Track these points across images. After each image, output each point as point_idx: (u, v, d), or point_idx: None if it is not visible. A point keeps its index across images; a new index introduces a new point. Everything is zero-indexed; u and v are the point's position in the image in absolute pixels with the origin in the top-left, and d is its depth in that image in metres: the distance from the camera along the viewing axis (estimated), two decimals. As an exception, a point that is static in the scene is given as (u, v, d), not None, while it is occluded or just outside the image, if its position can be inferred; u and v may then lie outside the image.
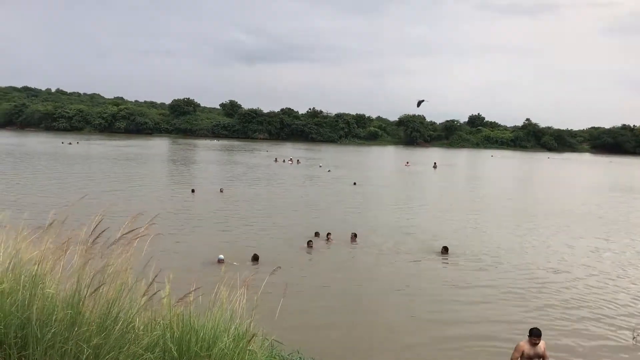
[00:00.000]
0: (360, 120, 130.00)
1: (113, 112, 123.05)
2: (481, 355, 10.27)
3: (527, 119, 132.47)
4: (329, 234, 19.49)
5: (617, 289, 14.97)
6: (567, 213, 28.74)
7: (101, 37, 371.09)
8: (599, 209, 31.04)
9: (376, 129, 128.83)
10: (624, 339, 11.26)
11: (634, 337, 11.27)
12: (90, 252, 4.85)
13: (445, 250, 18.04)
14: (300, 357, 6.69)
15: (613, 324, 12.18)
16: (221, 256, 15.63)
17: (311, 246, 18.07)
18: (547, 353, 7.99)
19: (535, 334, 7.91)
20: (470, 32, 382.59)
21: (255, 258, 16.03)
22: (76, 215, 5.97)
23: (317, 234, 19.74)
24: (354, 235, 19.51)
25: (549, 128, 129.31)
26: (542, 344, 7.95)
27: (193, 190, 31.45)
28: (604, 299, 13.92)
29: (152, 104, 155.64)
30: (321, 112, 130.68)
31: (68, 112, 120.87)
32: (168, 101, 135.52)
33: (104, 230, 4.92)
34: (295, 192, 34.20)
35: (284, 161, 58.58)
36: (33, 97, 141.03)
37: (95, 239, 4.85)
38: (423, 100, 30.56)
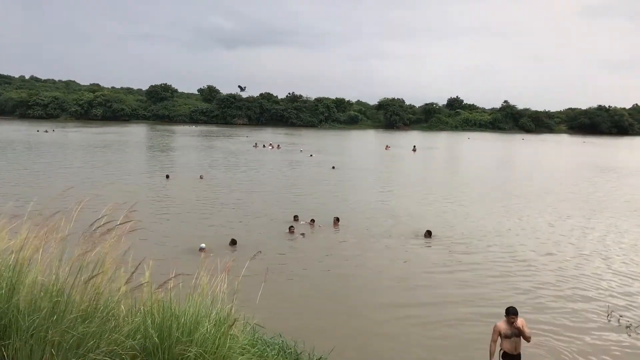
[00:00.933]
0: (340, 104, 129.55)
1: (89, 99, 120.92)
2: (465, 337, 10.43)
3: (505, 101, 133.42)
4: (312, 220, 19.54)
5: (598, 268, 15.26)
6: (540, 193, 29.22)
7: (77, 22, 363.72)
8: (575, 188, 31.58)
9: (356, 113, 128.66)
10: (602, 318, 11.53)
11: (608, 315, 11.59)
12: (70, 242, 4.83)
13: (428, 234, 18.13)
14: (282, 341, 6.74)
15: (593, 303, 12.44)
16: (203, 245, 15.59)
17: (292, 232, 18.09)
18: (527, 329, 8.11)
19: (511, 313, 8.03)
20: (449, 14, 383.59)
21: (233, 242, 16.07)
22: (54, 205, 5.91)
23: (296, 218, 19.77)
24: (337, 220, 19.59)
25: (526, 110, 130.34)
26: (520, 322, 8.08)
27: (167, 176, 31.39)
28: (585, 279, 14.20)
29: (129, 90, 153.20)
30: (301, 96, 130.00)
31: (43, 100, 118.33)
32: (145, 87, 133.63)
33: (83, 218, 4.90)
34: (276, 177, 34.13)
35: (264, 146, 58.33)
36: (6, 85, 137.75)
37: (71, 226, 4.82)
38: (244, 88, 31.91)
